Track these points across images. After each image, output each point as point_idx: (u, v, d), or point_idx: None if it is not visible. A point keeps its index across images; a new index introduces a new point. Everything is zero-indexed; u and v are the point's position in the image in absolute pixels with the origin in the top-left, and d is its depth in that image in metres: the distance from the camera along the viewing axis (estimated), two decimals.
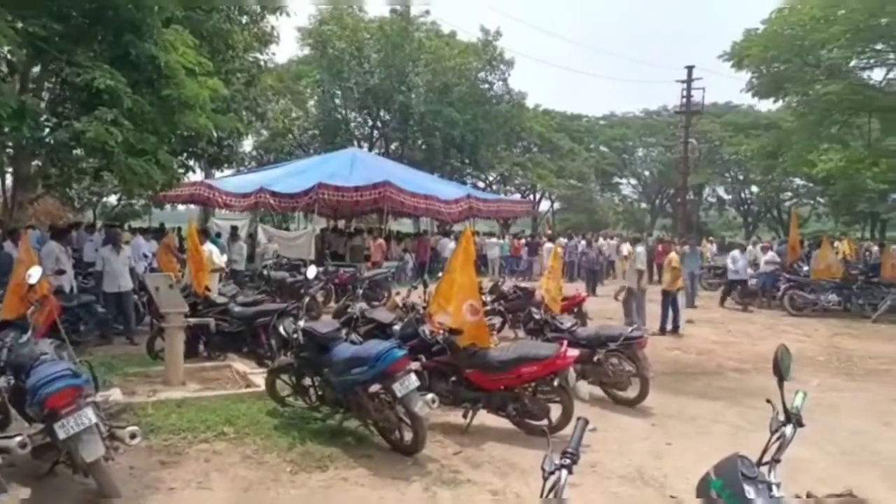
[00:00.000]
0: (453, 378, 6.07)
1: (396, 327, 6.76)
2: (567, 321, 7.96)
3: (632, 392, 7.16)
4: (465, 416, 5.98)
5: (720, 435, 6.22)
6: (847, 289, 15.10)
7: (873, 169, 18.67)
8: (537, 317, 8.03)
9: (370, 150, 31.41)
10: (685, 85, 26.99)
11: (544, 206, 46.84)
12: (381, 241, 18.52)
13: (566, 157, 40.21)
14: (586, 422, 2.32)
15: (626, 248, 19.07)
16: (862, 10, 14.36)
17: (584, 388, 6.70)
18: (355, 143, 31.51)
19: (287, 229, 24.05)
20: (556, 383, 5.91)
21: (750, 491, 2.38)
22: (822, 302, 14.99)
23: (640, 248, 12.09)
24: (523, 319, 8.86)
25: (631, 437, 6.15)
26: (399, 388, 4.96)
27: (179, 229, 17.55)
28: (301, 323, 5.86)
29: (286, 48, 73.64)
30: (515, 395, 5.93)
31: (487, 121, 30.62)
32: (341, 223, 27.20)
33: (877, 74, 17.46)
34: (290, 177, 19.57)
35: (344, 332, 6.00)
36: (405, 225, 32.16)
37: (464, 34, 32.94)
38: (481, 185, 37.14)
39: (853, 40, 15.33)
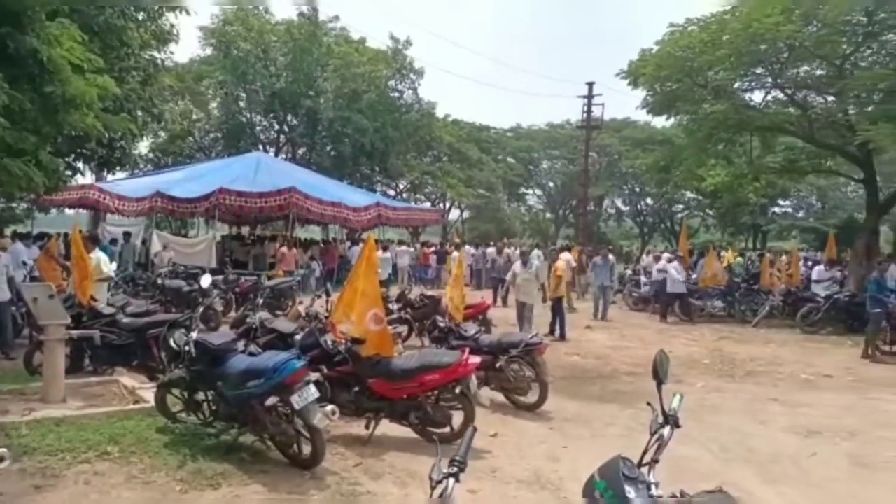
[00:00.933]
0: (356, 388, 6.01)
1: (298, 337, 6.60)
2: (471, 329, 8.07)
3: (532, 397, 7.36)
4: (367, 427, 5.94)
5: (613, 437, 6.49)
6: (731, 296, 16.20)
7: (754, 184, 20.21)
8: (442, 325, 8.09)
9: (276, 155, 30.65)
10: (586, 100, 28.15)
11: (454, 214, 47.42)
12: (294, 250, 18.11)
13: (475, 167, 40.85)
14: (475, 430, 2.35)
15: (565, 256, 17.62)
16: (744, 36, 15.47)
17: (484, 394, 6.82)
18: (261, 147, 30.70)
19: (185, 236, 23.00)
20: (458, 390, 5.98)
21: (630, 491, 2.48)
22: (709, 308, 16.01)
23: (537, 262, 12.21)
24: (428, 328, 8.91)
25: (530, 441, 6.32)
26: (297, 401, 4.84)
27: (66, 235, 16.41)
28: (193, 334, 5.60)
29: (187, 47, 70.72)
30: (418, 404, 5.93)
31: (397, 129, 30.60)
32: (245, 230, 26.40)
33: (757, 96, 18.92)
34: (189, 181, 18.78)
35: (241, 343, 5.80)
36: (314, 232, 31.61)
37: (373, 42, 32.84)
38: (392, 192, 37.11)
39: (736, 64, 16.49)
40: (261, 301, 7.98)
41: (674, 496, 2.53)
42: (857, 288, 15.17)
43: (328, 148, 30.75)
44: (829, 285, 15.21)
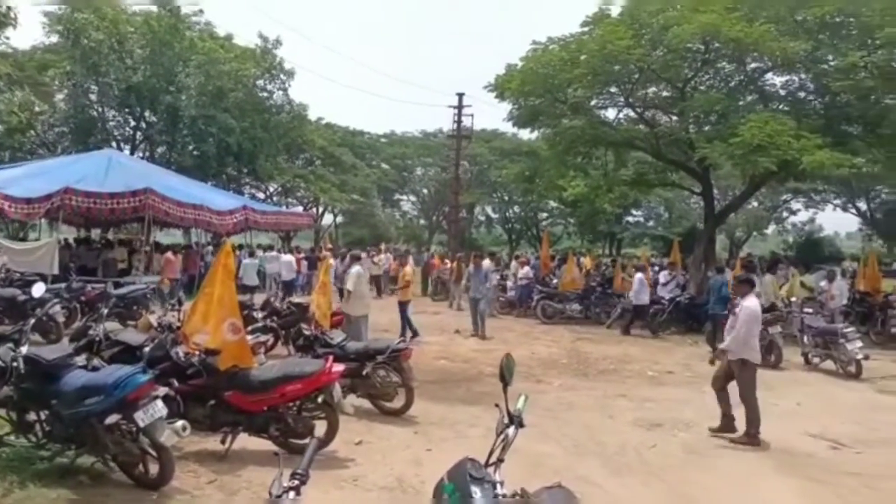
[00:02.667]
0: (211, 402, 5.74)
1: (147, 350, 6.18)
2: (338, 336, 7.98)
3: (398, 402, 7.40)
4: (223, 442, 5.68)
5: (475, 438, 6.65)
6: (587, 299, 17.23)
7: (609, 195, 21.52)
8: (307, 333, 7.93)
9: (132, 153, 28.57)
10: (457, 110, 28.84)
11: (327, 219, 46.72)
12: (179, 255, 17.06)
13: (349, 172, 40.53)
14: (319, 441, 2.33)
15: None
16: (599, 57, 16.57)
17: (350, 401, 6.76)
18: (114, 144, 28.45)
19: (24, 239, 20.85)
20: (320, 400, 5.89)
21: (476, 492, 2.58)
22: (568, 311, 16.91)
23: (357, 267, 11.06)
24: (293, 336, 8.70)
25: (394, 447, 6.35)
26: (142, 418, 4.54)
27: None
28: (23, 349, 5.08)
29: (28, 33, 64.68)
30: (279, 415, 5.78)
31: (267, 130, 29.59)
32: (96, 233, 24.39)
33: (611, 113, 20.30)
34: (28, 179, 17.00)
35: (80, 357, 5.34)
36: (175, 236, 29.83)
37: (241, 39, 31.52)
38: (261, 196, 35.94)
39: (593, 82, 17.60)
40: (106, 311, 7.38)
41: (516, 494, 2.65)
42: (696, 291, 16.70)
43: (190, 147, 29.11)
44: (673, 289, 16.58)
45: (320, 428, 5.87)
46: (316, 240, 40.42)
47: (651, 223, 45.54)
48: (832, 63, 15.58)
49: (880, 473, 6.05)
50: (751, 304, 7.13)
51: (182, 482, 5.00)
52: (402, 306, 12.83)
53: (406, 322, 12.74)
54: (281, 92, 31.10)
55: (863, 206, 42.63)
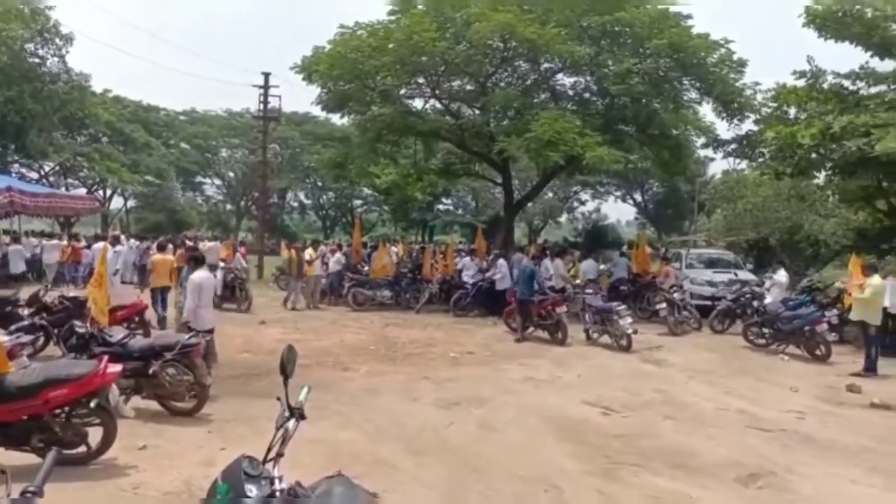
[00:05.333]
0: None
1: None
2: (118, 333, 7.27)
3: (191, 402, 6.94)
4: None
5: (273, 433, 6.46)
6: (397, 285, 17.55)
7: (419, 183, 22.14)
8: (81, 330, 7.12)
9: None
10: (263, 90, 27.51)
11: (117, 203, 42.40)
12: None
13: (142, 151, 37.10)
14: (58, 453, 2.09)
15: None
16: (406, 46, 16.83)
17: (134, 403, 6.23)
18: None
19: None
20: (94, 404, 5.32)
21: (252, 490, 2.50)
22: (379, 297, 17.10)
23: (122, 247, 10.59)
24: (64, 335, 7.77)
25: (184, 449, 5.96)
26: None
27: None
28: None
29: None
30: (43, 424, 5.13)
31: (39, 101, 25.98)
32: None
33: (419, 103, 20.79)
34: None
35: None
36: None
37: None
38: (34, 176, 31.63)
39: (401, 72, 17.85)
40: None
41: (291, 488, 2.61)
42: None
43: None
44: (474, 273, 17.46)
45: (95, 435, 5.33)
46: (104, 226, 36.52)
47: (460, 211, 47.58)
48: (611, 68, 17.34)
49: (640, 433, 6.91)
50: (195, 276, 7.94)
51: None
52: (154, 293, 12.47)
53: (157, 307, 12.35)
54: (56, 59, 27.51)
55: (638, 197, 48.44)
